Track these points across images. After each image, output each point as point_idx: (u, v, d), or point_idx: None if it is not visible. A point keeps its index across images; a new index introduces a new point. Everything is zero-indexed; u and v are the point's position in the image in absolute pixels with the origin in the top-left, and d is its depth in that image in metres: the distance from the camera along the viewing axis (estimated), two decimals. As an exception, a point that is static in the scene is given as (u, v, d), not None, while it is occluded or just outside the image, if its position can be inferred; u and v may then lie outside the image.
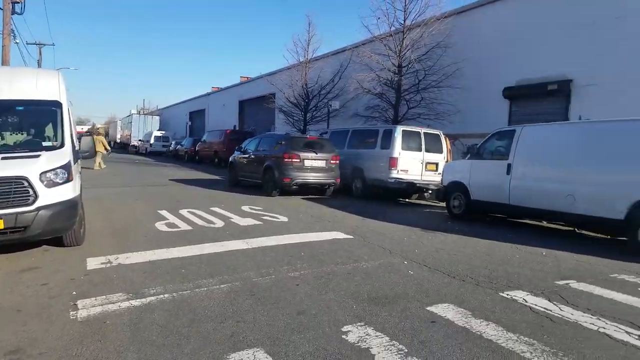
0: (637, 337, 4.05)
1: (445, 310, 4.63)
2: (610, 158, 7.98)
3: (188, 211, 10.35)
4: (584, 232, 9.45)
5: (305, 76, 24.80)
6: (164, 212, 10.09)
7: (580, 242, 8.64)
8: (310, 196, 14.14)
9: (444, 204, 11.90)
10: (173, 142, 40.47)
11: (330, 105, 22.10)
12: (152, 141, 42.04)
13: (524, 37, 15.92)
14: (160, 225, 8.66)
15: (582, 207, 8.26)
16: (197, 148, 31.76)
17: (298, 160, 13.36)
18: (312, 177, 13.58)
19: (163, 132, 45.31)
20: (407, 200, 15.08)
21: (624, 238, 7.92)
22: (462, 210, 10.89)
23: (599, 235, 9.09)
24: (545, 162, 9.11)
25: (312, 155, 13.56)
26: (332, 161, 13.83)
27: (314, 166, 13.58)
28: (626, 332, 4.16)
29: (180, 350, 3.63)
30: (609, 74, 13.30)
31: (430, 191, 13.68)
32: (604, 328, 4.24)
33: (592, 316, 4.55)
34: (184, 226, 8.68)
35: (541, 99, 15.34)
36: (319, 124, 24.05)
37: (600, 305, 4.90)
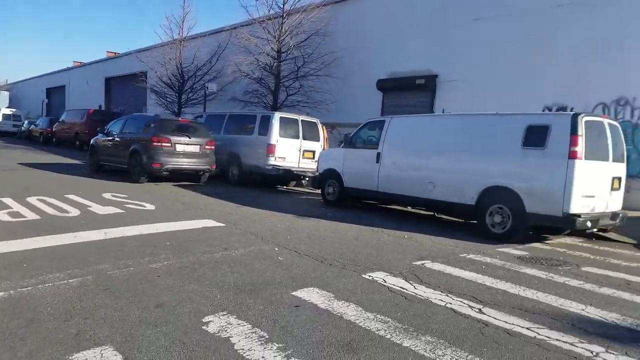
0: (477, 310, 4.46)
1: (310, 294, 4.67)
2: (465, 148, 8.75)
3: (38, 199, 9.23)
4: (442, 216, 10.29)
5: (179, 55, 23.54)
6: (7, 200, 8.87)
7: (438, 225, 9.39)
8: (183, 183, 13.52)
9: (320, 191, 12.15)
10: (26, 122, 35.88)
11: (207, 88, 21.30)
12: (-1, 120, 36.89)
13: (396, 31, 16.81)
14: (1, 215, 7.59)
15: (440, 193, 8.97)
16: (54, 129, 28.42)
17: (169, 144, 12.65)
18: (184, 163, 12.97)
19: (13, 110, 40.05)
20: (285, 187, 15.17)
21: (474, 221, 8.75)
22: (336, 197, 11.21)
23: (454, 219, 9.96)
24: (410, 151, 9.71)
25: (184, 139, 12.94)
26: (207, 146, 13.34)
27: (186, 151, 12.97)
28: (469, 306, 4.57)
29: (13, 354, 3.17)
30: (469, 72, 14.62)
31: (307, 178, 13.89)
32: (451, 303, 4.61)
33: (441, 293, 4.92)
34: (30, 215, 7.71)
35: (411, 92, 16.38)
36: (196, 107, 23.10)
37: (450, 282, 5.33)
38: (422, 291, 4.95)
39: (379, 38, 17.35)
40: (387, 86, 17.04)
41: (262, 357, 3.33)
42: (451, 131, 9.19)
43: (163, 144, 12.57)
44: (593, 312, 4.55)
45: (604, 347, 3.73)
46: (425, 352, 3.52)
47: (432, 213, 10.45)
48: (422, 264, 6.08)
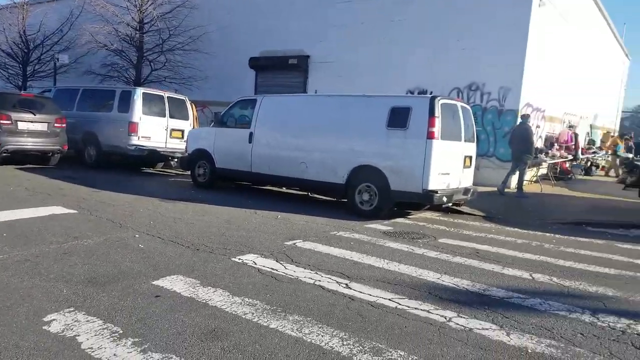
0: (344, 285, 4.53)
1: (173, 283, 4.34)
2: (335, 129, 8.89)
3: None
4: (316, 196, 10.44)
5: (23, 21, 20.52)
6: None
7: (311, 205, 9.50)
8: (29, 166, 11.90)
9: (189, 173, 11.54)
10: None
11: (58, 59, 18.93)
12: None
13: (269, 9, 16.53)
14: None
15: (313, 173, 9.04)
16: None
17: (9, 122, 10.98)
18: (29, 143, 11.39)
19: None
20: (151, 169, 14.19)
21: (345, 200, 8.99)
22: (207, 178, 10.74)
23: (327, 198, 10.16)
24: (282, 131, 9.62)
25: (28, 116, 11.33)
26: (56, 124, 11.84)
27: (31, 130, 11.38)
28: (337, 282, 4.62)
29: None
30: (340, 54, 14.96)
31: (176, 160, 13.13)
32: (320, 281, 4.62)
33: (311, 271, 4.92)
34: None
35: (284, 72, 16.30)
36: (45, 81, 20.44)
37: (320, 260, 5.36)
38: (293, 271, 4.90)
39: (252, 15, 16.93)
40: (260, 65, 16.75)
41: (114, 354, 2.99)
42: (323, 112, 9.27)
43: (2, 122, 10.87)
44: (447, 280, 4.90)
45: (456, 312, 4.02)
46: (292, 331, 3.45)
47: (305, 193, 10.55)
48: (294, 244, 6.05)
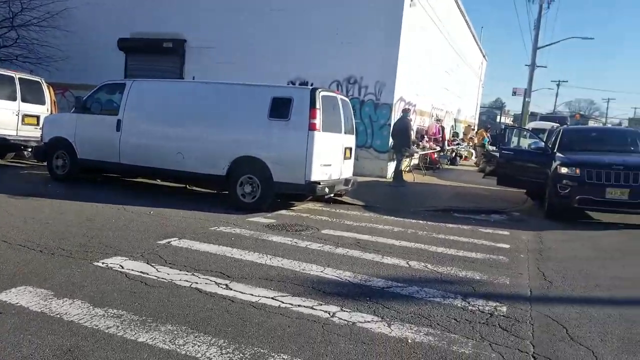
0: (224, 286, 4.24)
1: (19, 296, 3.69)
2: (215, 118, 8.45)
3: None
4: (195, 188, 9.86)
5: None
6: None
7: (189, 198, 8.95)
8: None
9: (46, 165, 10.19)
10: None
11: None
12: None
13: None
14: None
15: (191, 164, 8.49)
16: None
17: None
18: None
19: None
20: (0, 160, 12.32)
21: (226, 192, 8.60)
22: (67, 171, 9.58)
23: (207, 190, 9.65)
24: (156, 119, 8.90)
25: None
26: None
27: None
28: (216, 283, 4.31)
29: None
30: (219, 39, 14.30)
31: (30, 149, 11.52)
32: (197, 283, 4.27)
33: (187, 273, 4.53)
34: None
35: (158, 55, 15.20)
36: None
37: (197, 260, 4.98)
38: (166, 273, 4.47)
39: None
40: (130, 46, 15.41)
41: None
42: (202, 100, 8.76)
43: None
44: (330, 273, 4.85)
45: (339, 306, 3.96)
46: (165, 343, 3.09)
47: (183, 185, 9.92)
48: (168, 242, 5.57)
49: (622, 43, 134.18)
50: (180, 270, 4.58)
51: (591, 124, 60.06)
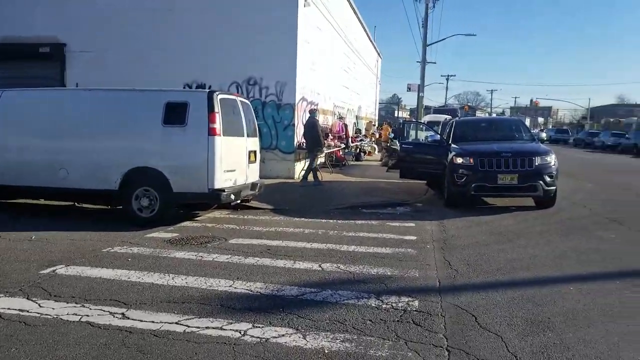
0: (120, 316, 3.80)
1: None
2: (102, 128, 7.73)
3: None
4: (85, 205, 8.98)
5: None
6: None
7: (79, 218, 8.12)
8: None
9: None
10: None
11: None
12: None
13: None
14: None
15: (77, 180, 7.69)
16: None
17: None
18: None
19: None
20: None
21: (121, 207, 7.92)
22: None
23: (99, 207, 8.82)
24: (33, 132, 7.94)
25: None
26: None
27: None
28: (110, 313, 3.85)
29: None
30: (104, 44, 13.23)
31: None
32: (88, 316, 3.78)
33: (76, 304, 4.01)
34: None
35: (33, 62, 13.72)
36: None
37: (88, 288, 4.44)
38: (51, 308, 3.92)
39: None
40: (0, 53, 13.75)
41: None
42: (86, 109, 7.96)
43: None
44: (240, 287, 4.58)
45: (250, 322, 3.71)
46: (47, 397, 2.64)
47: (71, 203, 8.99)
48: (53, 271, 4.93)
49: (503, 38, 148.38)
50: (68, 303, 4.04)
51: (479, 114, 65.30)
